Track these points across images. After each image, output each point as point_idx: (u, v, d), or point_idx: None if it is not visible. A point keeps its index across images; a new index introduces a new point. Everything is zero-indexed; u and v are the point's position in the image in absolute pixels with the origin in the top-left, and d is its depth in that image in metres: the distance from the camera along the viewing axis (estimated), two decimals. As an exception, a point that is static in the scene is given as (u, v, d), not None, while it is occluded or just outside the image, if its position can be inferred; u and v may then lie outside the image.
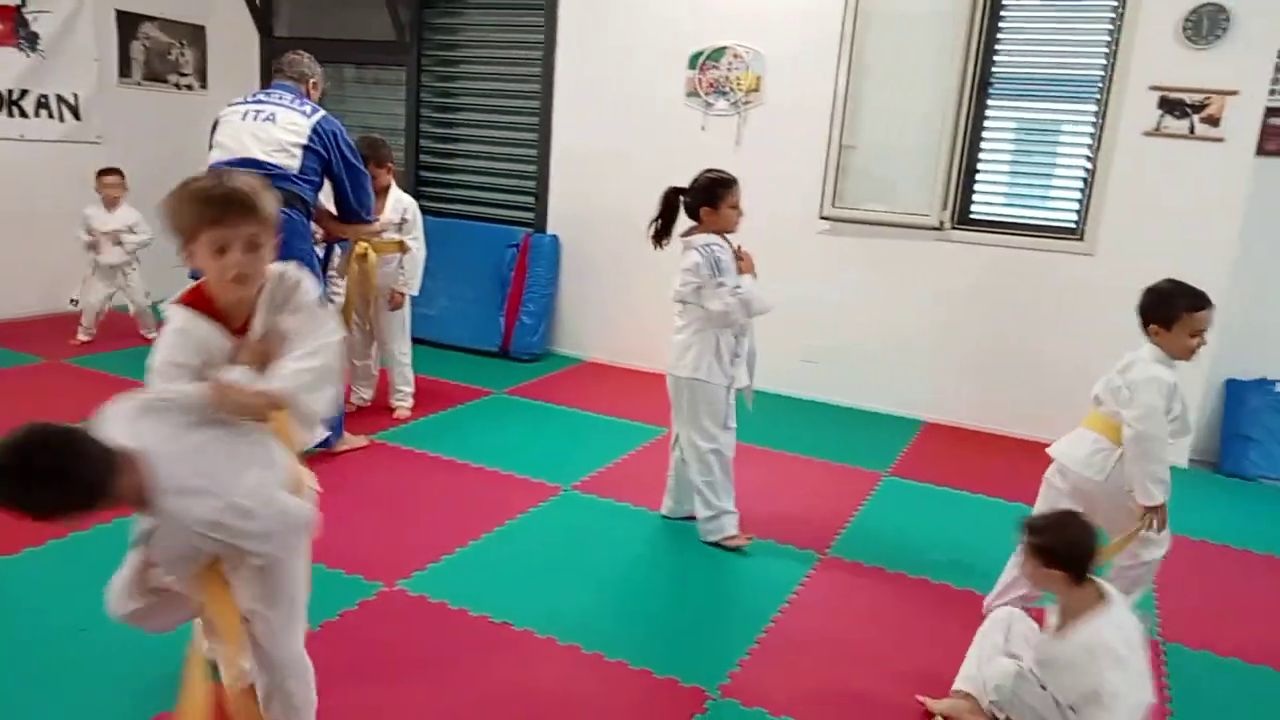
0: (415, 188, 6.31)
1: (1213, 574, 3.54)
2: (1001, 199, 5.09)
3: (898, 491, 4.13)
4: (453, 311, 6.04)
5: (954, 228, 5.04)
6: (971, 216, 5.07)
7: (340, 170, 3.75)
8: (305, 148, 3.61)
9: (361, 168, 3.87)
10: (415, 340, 4.81)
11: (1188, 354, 2.69)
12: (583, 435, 4.62)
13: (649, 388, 5.38)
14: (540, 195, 6.10)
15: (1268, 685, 2.76)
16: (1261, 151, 4.48)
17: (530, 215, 6.18)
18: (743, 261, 3.31)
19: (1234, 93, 4.34)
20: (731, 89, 5.41)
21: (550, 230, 6.09)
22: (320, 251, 4.02)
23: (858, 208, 5.21)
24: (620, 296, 5.89)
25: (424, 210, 4.69)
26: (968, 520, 3.87)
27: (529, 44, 6.01)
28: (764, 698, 2.48)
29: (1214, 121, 4.39)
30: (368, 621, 2.74)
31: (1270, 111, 4.45)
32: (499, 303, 6.00)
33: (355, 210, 3.91)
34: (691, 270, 3.24)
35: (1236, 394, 4.79)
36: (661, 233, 3.37)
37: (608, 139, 5.80)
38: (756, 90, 5.36)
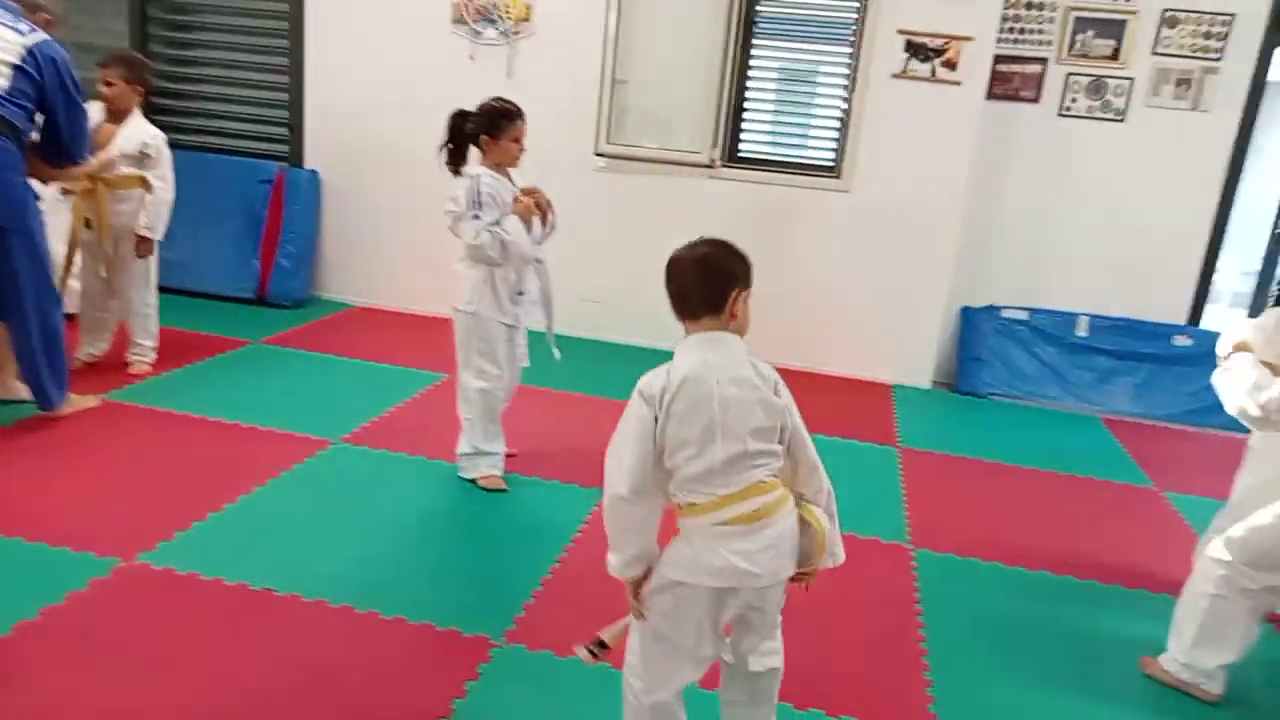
0: (145, 117, 5.57)
1: (954, 483, 3.90)
2: (766, 138, 5.26)
3: (677, 425, 4.20)
4: (198, 255, 5.44)
5: (724, 165, 5.15)
6: (739, 154, 5.20)
7: (56, 102, 3.30)
8: (16, 68, 3.19)
9: (82, 105, 3.42)
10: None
11: None
12: (352, 385, 4.34)
13: (426, 331, 5.17)
14: (295, 126, 5.60)
15: (1001, 579, 3.08)
16: (991, 95, 4.88)
17: (284, 148, 5.66)
18: (518, 202, 3.17)
19: (969, 39, 4.69)
20: (500, 17, 5.17)
21: (309, 165, 5.62)
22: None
23: (633, 144, 5.19)
24: (391, 235, 5.56)
25: (158, 141, 4.14)
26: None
27: (273, -44, 5.44)
28: (550, 639, 2.44)
29: (952, 66, 4.73)
30: (101, 603, 2.42)
31: (998, 59, 4.86)
32: (252, 245, 5.48)
33: (67, 150, 3.43)
34: (452, 200, 3.12)
35: (970, 320, 5.27)
36: (455, 159, 3.18)
37: (369, 66, 5.39)
38: (527, 20, 5.15)
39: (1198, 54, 4.78)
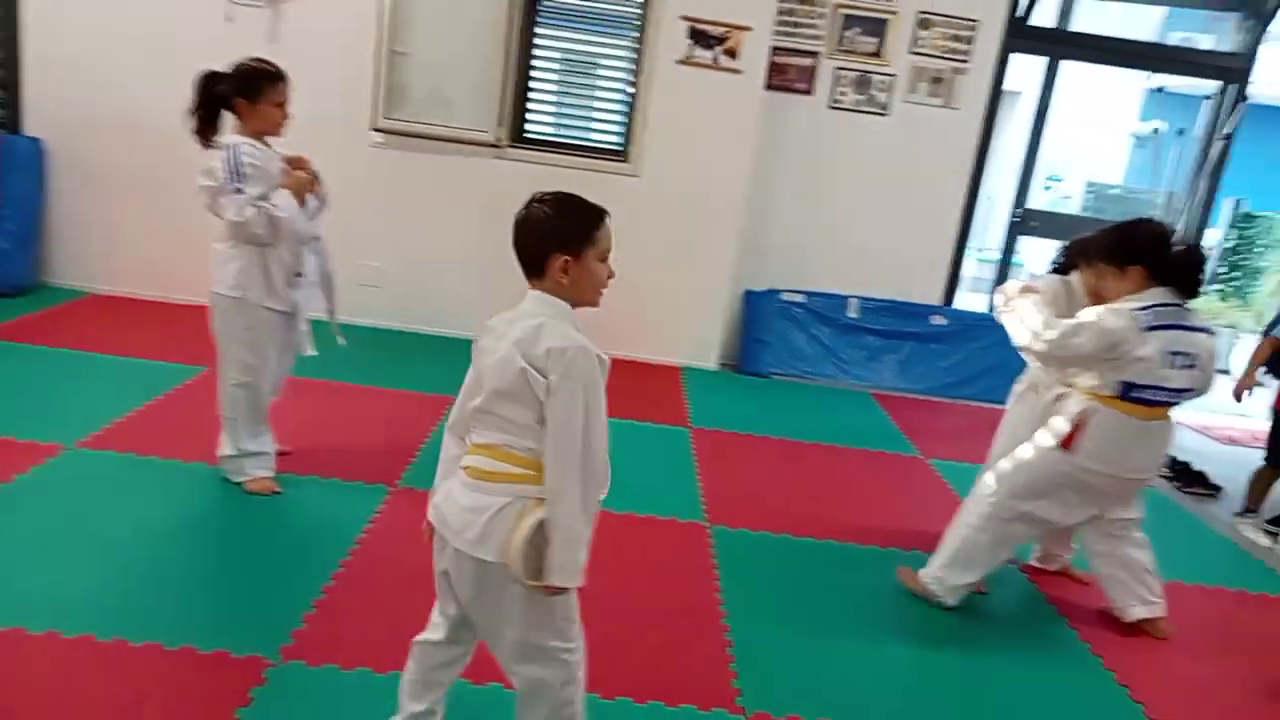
0: None
1: (744, 461, 3.99)
2: (553, 120, 5.16)
3: (468, 414, 4.03)
4: (-115, 234, 4.60)
5: (511, 146, 5.00)
6: (526, 135, 5.07)
7: None
8: None
9: None
10: None
11: None
12: (90, 382, 3.80)
13: (179, 320, 4.65)
14: (10, 87, 4.84)
15: (792, 550, 3.17)
16: (769, 85, 5.05)
17: (-2, 112, 4.89)
18: (291, 175, 2.87)
19: (748, 29, 4.82)
20: (261, -25, 4.72)
21: (30, 131, 4.87)
22: None
23: (414, 120, 4.92)
24: (134, 213, 4.94)
25: None
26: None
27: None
28: (334, 652, 2.23)
29: (733, 54, 4.84)
30: None
31: (775, 50, 5.03)
32: (-42, 223, 4.69)
33: None
34: (208, 173, 2.78)
35: (753, 303, 5.45)
36: (205, 127, 2.82)
37: (104, 21, 4.74)
38: (292, -19, 4.74)
39: (948, 55, 5.19)
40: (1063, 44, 5.51)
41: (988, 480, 2.82)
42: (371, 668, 2.18)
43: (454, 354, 4.94)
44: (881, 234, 5.42)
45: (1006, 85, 5.35)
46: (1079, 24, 5.68)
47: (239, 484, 3.02)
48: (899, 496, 3.83)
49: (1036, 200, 6.36)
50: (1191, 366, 2.61)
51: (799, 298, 5.43)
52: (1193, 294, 2.66)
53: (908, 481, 4.03)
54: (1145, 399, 2.61)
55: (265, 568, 2.63)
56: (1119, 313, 2.59)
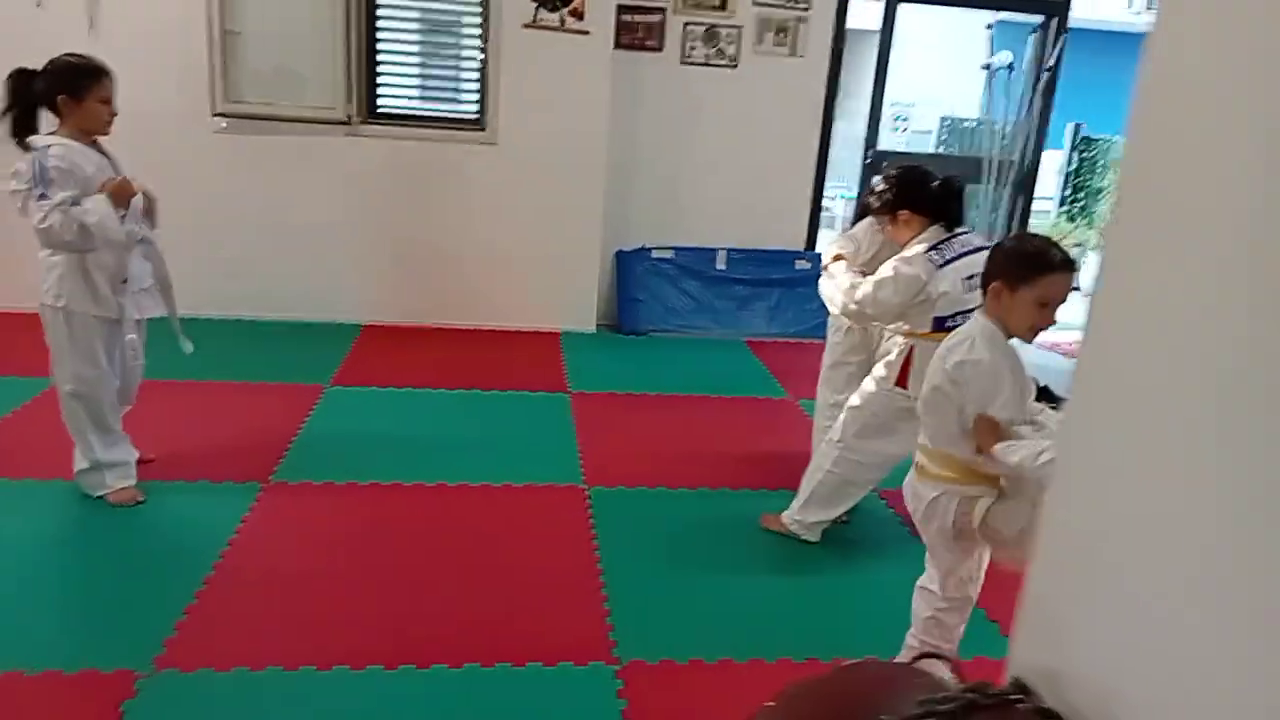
0: None
1: (622, 420, 4.09)
2: (406, 92, 5.07)
3: (343, 401, 4.00)
4: None
5: (364, 122, 4.88)
6: (379, 110, 4.96)
7: None
8: None
9: None
10: None
11: None
12: (-71, 405, 3.60)
13: (19, 331, 4.41)
14: None
15: (666, 502, 3.30)
16: (619, 45, 5.07)
17: None
18: (111, 182, 2.74)
19: (591, -12, 4.82)
20: (71, -43, 4.43)
21: None
22: None
23: (258, 102, 4.75)
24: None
25: None
26: (416, 415, 3.92)
27: None
28: (209, 655, 2.23)
29: (579, 15, 4.83)
30: None
31: (622, 9, 5.04)
32: None
33: None
34: (17, 177, 2.65)
35: (624, 262, 5.52)
36: (20, 128, 2.68)
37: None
38: (106, -39, 4.47)
39: (789, 4, 5.30)
40: (898, -14, 5.69)
41: (839, 421, 2.98)
42: (249, 665, 2.19)
43: (318, 340, 4.91)
44: (742, 185, 5.55)
45: (864, 25, 5.48)
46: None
47: (100, 498, 2.94)
48: (769, 439, 4.00)
49: (892, 140, 6.60)
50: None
51: (668, 254, 5.52)
52: (959, 222, 2.86)
53: (777, 423, 4.21)
54: (956, 325, 2.83)
55: (133, 580, 2.58)
56: (910, 260, 2.76)
